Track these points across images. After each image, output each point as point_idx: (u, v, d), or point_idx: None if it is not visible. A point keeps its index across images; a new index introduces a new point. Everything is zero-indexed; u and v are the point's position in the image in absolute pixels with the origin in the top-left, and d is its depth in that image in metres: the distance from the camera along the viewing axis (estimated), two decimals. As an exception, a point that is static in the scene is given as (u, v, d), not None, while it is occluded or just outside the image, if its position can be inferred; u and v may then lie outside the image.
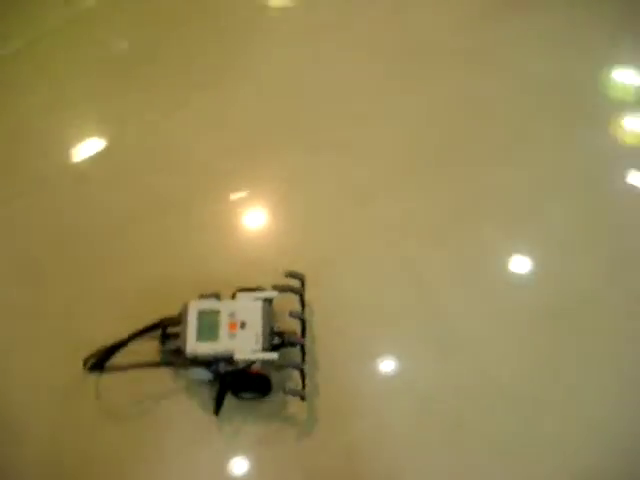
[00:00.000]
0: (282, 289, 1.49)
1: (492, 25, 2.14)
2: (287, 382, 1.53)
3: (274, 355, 1.41)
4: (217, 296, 1.48)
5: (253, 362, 1.42)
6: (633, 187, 1.84)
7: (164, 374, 1.55)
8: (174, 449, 1.49)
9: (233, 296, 1.50)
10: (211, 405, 1.50)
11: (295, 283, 1.53)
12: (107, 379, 1.55)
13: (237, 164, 1.91)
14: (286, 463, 1.49)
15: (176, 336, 1.45)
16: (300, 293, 1.51)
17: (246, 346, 1.40)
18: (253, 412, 1.51)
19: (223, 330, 1.41)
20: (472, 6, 2.18)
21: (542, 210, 1.82)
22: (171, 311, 1.50)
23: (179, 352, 1.42)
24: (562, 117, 1.97)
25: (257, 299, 1.46)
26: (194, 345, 1.40)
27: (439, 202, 1.84)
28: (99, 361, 1.52)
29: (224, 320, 1.42)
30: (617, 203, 1.83)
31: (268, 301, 1.47)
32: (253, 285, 1.52)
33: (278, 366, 1.49)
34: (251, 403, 1.51)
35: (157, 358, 1.53)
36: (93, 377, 1.54)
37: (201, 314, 1.42)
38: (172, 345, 1.46)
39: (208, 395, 1.52)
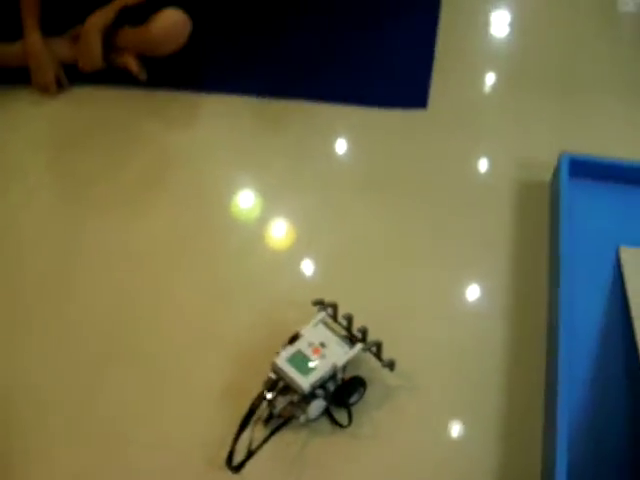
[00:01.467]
0: (317, 303, 1.71)
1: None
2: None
3: (360, 346, 1.61)
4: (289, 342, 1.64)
5: (344, 366, 1.59)
6: None
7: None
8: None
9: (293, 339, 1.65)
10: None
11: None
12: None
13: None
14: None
15: (271, 403, 1.57)
16: (335, 305, 1.70)
17: (337, 355, 1.58)
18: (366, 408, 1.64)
19: (313, 358, 1.57)
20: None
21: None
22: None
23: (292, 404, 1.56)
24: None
25: (314, 323, 1.65)
26: (305, 382, 1.53)
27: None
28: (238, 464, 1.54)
29: (308, 352, 1.58)
30: None
31: (322, 320, 1.67)
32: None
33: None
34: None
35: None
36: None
37: (290, 361, 1.57)
38: (282, 404, 1.57)
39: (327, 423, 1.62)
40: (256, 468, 1.53)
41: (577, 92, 2.39)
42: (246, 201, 2.12)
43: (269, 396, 1.56)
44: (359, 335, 1.65)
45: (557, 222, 1.84)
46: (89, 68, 2.43)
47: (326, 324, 1.66)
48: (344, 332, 1.68)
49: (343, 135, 2.29)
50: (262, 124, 2.33)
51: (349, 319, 1.68)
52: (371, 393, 1.65)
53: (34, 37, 2.40)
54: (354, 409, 1.61)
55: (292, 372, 1.54)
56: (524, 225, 1.97)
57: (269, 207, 2.09)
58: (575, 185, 1.94)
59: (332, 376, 1.57)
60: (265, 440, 1.55)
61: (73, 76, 2.47)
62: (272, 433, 1.57)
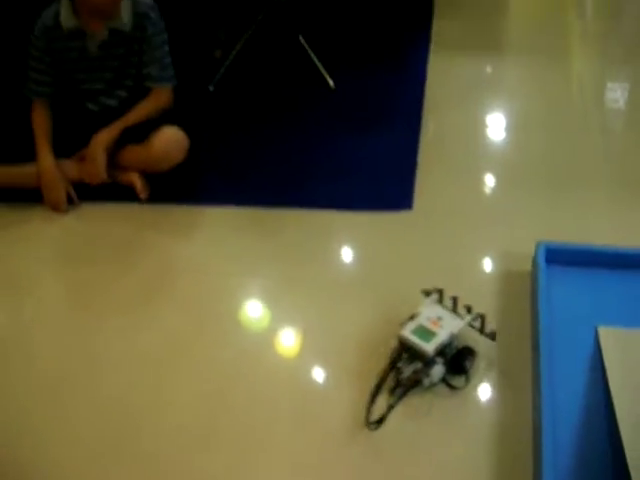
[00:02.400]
0: (425, 291, 2.04)
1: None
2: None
3: (470, 316, 1.94)
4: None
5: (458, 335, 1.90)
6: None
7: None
8: None
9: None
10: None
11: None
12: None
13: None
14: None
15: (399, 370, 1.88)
16: (442, 290, 2.02)
17: (453, 325, 1.91)
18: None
19: (433, 329, 1.88)
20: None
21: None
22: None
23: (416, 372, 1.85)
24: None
25: (428, 303, 1.98)
26: (429, 347, 1.83)
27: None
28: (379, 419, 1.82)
29: (428, 324, 1.90)
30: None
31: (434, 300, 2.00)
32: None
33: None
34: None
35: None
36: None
37: (413, 332, 1.88)
38: (408, 371, 1.86)
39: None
40: (391, 428, 1.79)
41: (556, 186, 2.53)
42: (244, 307, 2.23)
43: (399, 365, 1.87)
44: (465, 311, 1.95)
45: (536, 306, 1.94)
46: (95, 182, 2.60)
47: (438, 303, 1.98)
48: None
49: (335, 238, 2.42)
50: (257, 232, 2.47)
51: (454, 300, 1.97)
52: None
53: (47, 159, 2.59)
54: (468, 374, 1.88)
55: (417, 340, 1.85)
56: (508, 314, 2.07)
57: (266, 311, 2.20)
58: (552, 271, 2.06)
59: (449, 344, 1.86)
60: (400, 397, 1.84)
61: (82, 194, 2.64)
62: (404, 393, 1.85)
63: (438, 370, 1.84)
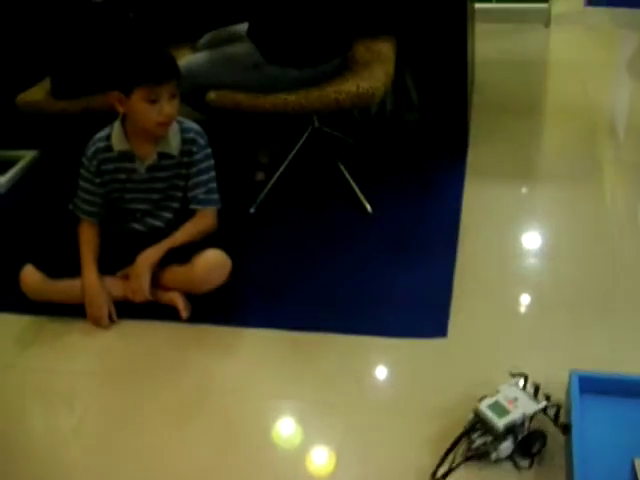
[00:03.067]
0: (515, 375, 2.14)
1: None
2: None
3: (545, 402, 2.04)
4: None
5: (532, 417, 2.02)
6: None
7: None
8: None
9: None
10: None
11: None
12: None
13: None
14: None
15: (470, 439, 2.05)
16: (527, 376, 2.13)
17: (527, 407, 2.02)
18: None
19: (507, 406, 2.01)
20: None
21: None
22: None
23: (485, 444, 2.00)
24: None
25: (510, 384, 2.10)
26: (500, 422, 1.97)
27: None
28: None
29: (504, 402, 2.03)
30: None
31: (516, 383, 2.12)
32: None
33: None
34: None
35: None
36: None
37: (489, 407, 2.02)
38: (479, 441, 2.01)
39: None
40: None
41: (591, 312, 2.55)
42: (280, 429, 2.24)
43: (472, 435, 2.02)
44: (543, 398, 2.05)
45: (570, 436, 1.93)
46: (138, 299, 2.67)
47: (519, 386, 2.08)
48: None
49: (371, 363, 2.45)
50: (294, 355, 2.51)
51: (536, 387, 2.07)
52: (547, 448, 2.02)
53: (91, 276, 2.68)
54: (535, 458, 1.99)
55: (490, 414, 1.99)
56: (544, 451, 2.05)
57: (302, 434, 2.21)
58: (586, 400, 2.06)
59: (521, 423, 1.98)
60: (463, 460, 2.01)
61: (124, 311, 2.71)
62: (468, 458, 2.02)
63: (507, 447, 1.97)
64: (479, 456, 2.01)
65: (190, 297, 2.70)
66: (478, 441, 2.00)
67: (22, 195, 3.72)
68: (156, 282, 2.70)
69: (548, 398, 2.04)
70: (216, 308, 2.70)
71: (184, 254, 2.66)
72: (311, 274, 2.87)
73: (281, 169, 3.38)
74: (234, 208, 3.18)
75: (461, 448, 2.04)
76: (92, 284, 2.68)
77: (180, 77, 2.62)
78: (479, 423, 2.03)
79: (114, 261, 2.76)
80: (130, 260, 2.70)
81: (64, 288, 2.71)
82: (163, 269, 2.71)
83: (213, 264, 2.64)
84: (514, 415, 1.97)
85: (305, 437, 2.20)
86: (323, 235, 3.12)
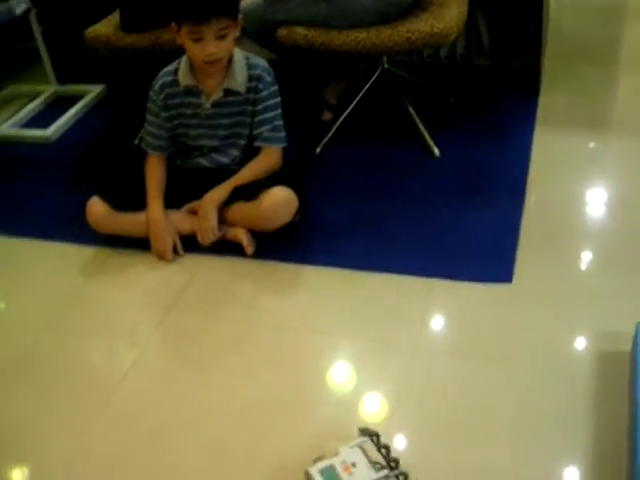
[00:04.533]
0: (364, 432, 1.87)
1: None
2: None
3: (384, 472, 1.76)
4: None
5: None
6: None
7: None
8: None
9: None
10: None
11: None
12: None
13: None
14: None
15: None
16: (377, 434, 1.86)
17: (363, 477, 1.75)
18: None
19: (342, 474, 1.75)
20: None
21: None
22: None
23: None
24: None
25: (352, 445, 1.82)
26: None
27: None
28: None
29: (339, 468, 1.76)
30: None
31: (360, 445, 1.84)
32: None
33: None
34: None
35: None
36: None
37: (321, 472, 1.75)
38: None
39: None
40: None
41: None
42: (337, 367, 2.25)
43: None
44: (392, 465, 1.78)
45: (634, 388, 1.89)
46: (207, 240, 2.69)
47: (363, 449, 1.81)
48: (381, 460, 1.81)
49: (431, 306, 2.42)
50: (355, 295, 2.49)
51: (387, 448, 1.82)
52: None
53: (156, 209, 2.70)
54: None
55: None
56: (605, 396, 2.02)
57: (359, 373, 2.22)
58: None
59: None
60: None
61: (187, 246, 2.73)
62: None
63: None
64: None
65: (255, 234, 2.70)
66: None
67: (88, 129, 3.75)
68: (221, 219, 2.70)
69: (396, 464, 1.79)
70: (281, 246, 2.70)
71: (250, 191, 2.66)
72: (376, 215, 2.84)
73: (348, 110, 3.33)
74: (300, 147, 3.16)
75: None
76: (157, 217, 2.69)
77: (237, 16, 2.58)
78: None
79: (180, 196, 2.77)
80: (196, 195, 2.71)
81: (129, 221, 2.74)
82: (229, 206, 2.71)
83: (280, 201, 2.63)
84: None
85: (362, 377, 2.20)
86: (389, 177, 3.07)
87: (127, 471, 1.99)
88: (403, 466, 1.80)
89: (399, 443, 1.97)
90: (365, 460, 1.78)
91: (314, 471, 1.74)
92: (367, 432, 1.85)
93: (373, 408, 2.10)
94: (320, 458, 1.80)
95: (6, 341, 2.46)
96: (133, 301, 2.59)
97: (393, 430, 2.00)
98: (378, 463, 1.79)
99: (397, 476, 1.77)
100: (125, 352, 2.38)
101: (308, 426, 2.05)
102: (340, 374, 2.23)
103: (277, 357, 2.29)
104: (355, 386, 2.17)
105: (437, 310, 2.41)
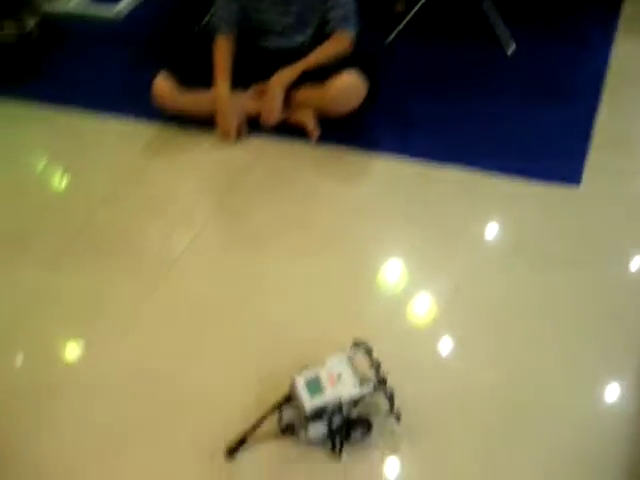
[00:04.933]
0: (357, 345, 1.80)
1: None
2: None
3: (368, 388, 1.70)
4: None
5: (357, 401, 1.70)
6: None
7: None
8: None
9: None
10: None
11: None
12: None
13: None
14: None
15: (280, 414, 1.76)
16: (370, 350, 1.79)
17: (347, 390, 1.69)
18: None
19: (326, 384, 1.69)
20: None
21: None
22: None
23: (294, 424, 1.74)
24: None
25: (340, 357, 1.76)
26: (309, 402, 1.66)
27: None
28: (235, 447, 1.74)
29: (324, 378, 1.71)
30: None
31: (350, 357, 1.77)
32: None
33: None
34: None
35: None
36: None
37: (306, 381, 1.70)
38: (288, 417, 1.75)
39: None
40: (251, 461, 1.71)
41: None
42: (396, 257, 2.25)
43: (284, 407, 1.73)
44: (382, 379, 1.73)
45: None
46: (270, 120, 2.66)
47: (351, 362, 1.75)
48: (371, 374, 1.74)
49: (497, 203, 2.39)
50: (419, 186, 2.47)
51: (378, 365, 1.75)
52: (376, 439, 1.74)
53: (223, 88, 2.67)
54: (354, 448, 1.72)
55: (303, 391, 1.68)
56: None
57: (416, 265, 2.21)
58: None
59: (338, 408, 1.68)
60: (253, 427, 1.73)
61: (251, 128, 2.71)
62: (282, 431, 1.75)
63: (317, 429, 1.70)
64: (286, 432, 1.76)
65: (322, 121, 2.66)
66: (287, 417, 1.75)
67: (157, 8, 3.70)
68: (288, 102, 2.67)
69: (384, 381, 1.72)
70: (347, 132, 2.67)
71: (320, 74, 2.61)
72: (445, 109, 2.79)
73: (422, 1, 3.22)
74: (371, 36, 3.07)
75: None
76: (223, 95, 2.67)
77: None
78: (293, 397, 1.73)
79: (247, 77, 2.73)
80: (263, 77, 2.67)
81: (195, 98, 2.72)
82: (297, 89, 2.67)
83: (349, 86, 2.58)
84: (326, 398, 1.67)
85: (416, 274, 2.18)
86: (461, 71, 3.01)
87: (176, 338, 2.04)
88: (448, 369, 1.82)
89: (444, 346, 1.96)
90: (351, 374, 1.72)
91: (299, 381, 1.70)
92: (360, 345, 1.80)
93: (422, 308, 2.08)
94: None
95: (65, 214, 2.49)
96: (193, 180, 2.60)
97: (440, 330, 2.00)
98: (365, 378, 1.72)
99: (381, 390, 1.72)
100: (182, 230, 2.39)
101: (366, 309, 2.07)
102: (395, 269, 2.22)
103: (334, 243, 2.29)
104: (408, 282, 2.16)
105: (502, 208, 2.38)
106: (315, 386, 1.69)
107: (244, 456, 1.72)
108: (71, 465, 1.75)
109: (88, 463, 1.75)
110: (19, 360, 2.02)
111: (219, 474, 1.70)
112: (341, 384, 1.69)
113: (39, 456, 1.77)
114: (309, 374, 1.71)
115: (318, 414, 1.67)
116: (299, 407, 1.68)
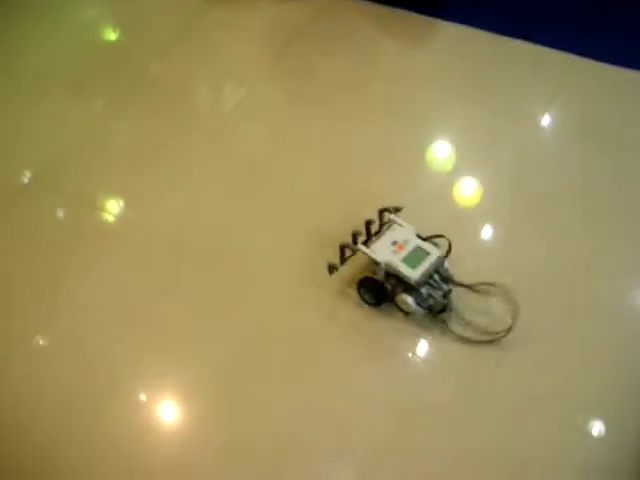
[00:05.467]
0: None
1: None
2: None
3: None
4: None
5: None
6: None
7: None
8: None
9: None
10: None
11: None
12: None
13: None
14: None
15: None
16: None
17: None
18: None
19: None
20: None
21: None
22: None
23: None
24: None
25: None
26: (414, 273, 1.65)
27: None
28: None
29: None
30: None
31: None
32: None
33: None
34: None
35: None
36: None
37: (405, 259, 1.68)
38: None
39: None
40: None
41: None
42: (445, 134, 2.18)
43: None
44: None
45: None
46: None
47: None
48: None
49: (563, 83, 2.28)
50: (484, 58, 2.37)
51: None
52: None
53: None
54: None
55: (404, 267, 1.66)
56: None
57: (465, 145, 2.14)
58: None
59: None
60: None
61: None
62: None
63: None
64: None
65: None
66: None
67: None
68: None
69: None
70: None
71: None
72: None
73: None
74: None
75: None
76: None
77: None
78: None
79: None
80: None
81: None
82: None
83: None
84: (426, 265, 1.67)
85: (469, 152, 2.11)
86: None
87: (227, 191, 2.03)
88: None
89: (486, 232, 1.93)
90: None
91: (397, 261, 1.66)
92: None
93: (471, 187, 2.04)
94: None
95: (120, 65, 2.43)
96: (253, 32, 2.51)
97: (482, 217, 1.95)
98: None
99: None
100: (236, 85, 2.35)
101: (400, 183, 2.02)
102: (448, 143, 2.16)
103: (390, 106, 2.23)
104: (461, 158, 2.10)
105: (568, 88, 2.27)
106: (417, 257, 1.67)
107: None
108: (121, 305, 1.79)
109: (138, 307, 1.79)
110: (61, 204, 2.03)
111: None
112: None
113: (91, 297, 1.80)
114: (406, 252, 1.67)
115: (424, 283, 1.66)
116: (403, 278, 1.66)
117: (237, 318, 1.75)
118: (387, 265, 1.66)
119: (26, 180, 2.09)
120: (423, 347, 1.69)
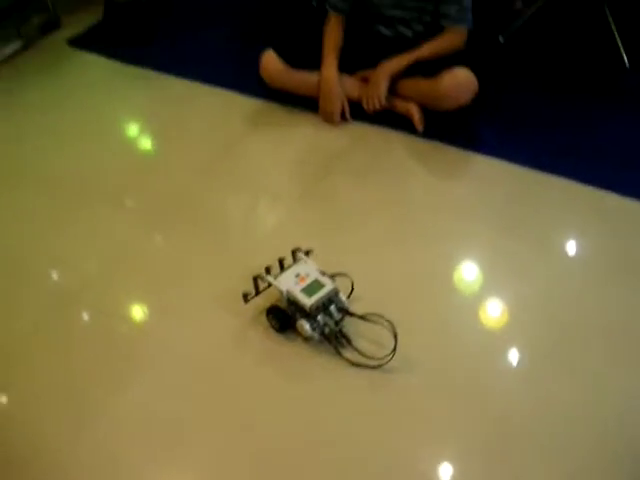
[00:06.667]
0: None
1: None
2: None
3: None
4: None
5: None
6: None
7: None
8: None
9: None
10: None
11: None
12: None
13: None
14: None
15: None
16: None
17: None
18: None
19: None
20: None
21: None
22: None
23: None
24: None
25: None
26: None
27: None
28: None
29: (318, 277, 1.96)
30: None
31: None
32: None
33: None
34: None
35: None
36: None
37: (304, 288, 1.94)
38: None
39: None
40: None
41: None
42: (472, 261, 2.21)
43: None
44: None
45: None
46: (372, 106, 2.65)
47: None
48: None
49: (594, 218, 2.32)
50: (516, 192, 2.42)
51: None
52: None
53: (330, 70, 2.67)
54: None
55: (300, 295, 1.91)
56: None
57: (495, 271, 2.16)
58: None
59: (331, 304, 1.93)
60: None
61: (356, 113, 2.70)
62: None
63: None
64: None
65: (426, 113, 2.64)
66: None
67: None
68: (392, 90, 2.64)
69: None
70: (452, 128, 2.64)
71: (431, 67, 2.58)
72: (556, 116, 2.74)
73: (541, 1, 3.14)
74: (485, 33, 3.03)
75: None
76: (330, 77, 2.66)
77: None
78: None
79: (355, 61, 2.72)
80: (371, 63, 2.66)
81: (302, 78, 2.72)
82: (405, 79, 2.64)
83: (461, 81, 2.55)
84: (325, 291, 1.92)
85: (494, 277, 2.14)
86: (571, 78, 2.94)
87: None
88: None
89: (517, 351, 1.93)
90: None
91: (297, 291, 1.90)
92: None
93: (496, 312, 2.05)
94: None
95: (162, 181, 2.52)
96: (288, 159, 2.60)
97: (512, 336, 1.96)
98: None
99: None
100: (268, 208, 2.43)
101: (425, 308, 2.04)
102: (475, 270, 2.19)
103: (419, 234, 2.28)
104: (486, 285, 2.12)
105: (598, 223, 2.30)
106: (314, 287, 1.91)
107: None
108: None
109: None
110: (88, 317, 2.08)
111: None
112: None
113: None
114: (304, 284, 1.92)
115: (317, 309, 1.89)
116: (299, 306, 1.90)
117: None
118: (288, 293, 1.92)
119: (66, 292, 2.14)
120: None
